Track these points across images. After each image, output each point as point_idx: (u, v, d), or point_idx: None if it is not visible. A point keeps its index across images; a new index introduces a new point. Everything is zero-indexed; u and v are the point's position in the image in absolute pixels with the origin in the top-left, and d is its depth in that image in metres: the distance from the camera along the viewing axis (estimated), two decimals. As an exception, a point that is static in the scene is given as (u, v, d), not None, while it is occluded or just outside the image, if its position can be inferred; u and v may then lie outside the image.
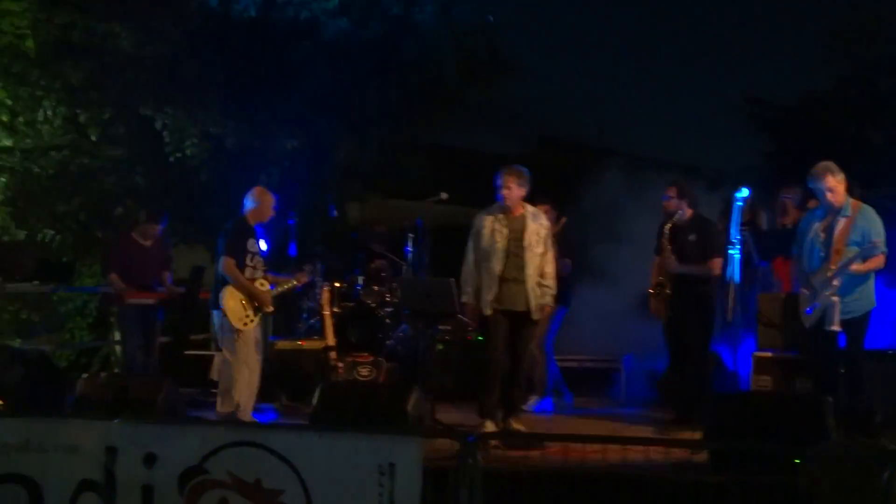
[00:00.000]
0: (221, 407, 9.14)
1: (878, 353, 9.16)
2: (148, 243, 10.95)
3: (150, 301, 10.78)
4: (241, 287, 9.18)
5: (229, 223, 9.46)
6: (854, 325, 8.13)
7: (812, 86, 18.32)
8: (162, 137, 12.91)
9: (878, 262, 8.05)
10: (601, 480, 6.41)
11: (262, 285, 9.36)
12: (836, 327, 8.06)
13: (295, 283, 9.88)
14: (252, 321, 9.21)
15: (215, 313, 9.36)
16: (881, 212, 8.29)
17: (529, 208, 9.16)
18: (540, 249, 9.04)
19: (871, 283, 8.21)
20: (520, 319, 9.05)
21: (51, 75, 12.41)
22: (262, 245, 10.32)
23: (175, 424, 6.85)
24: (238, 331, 9.16)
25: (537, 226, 9.08)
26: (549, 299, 9.12)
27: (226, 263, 9.20)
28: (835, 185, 8.17)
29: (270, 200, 9.57)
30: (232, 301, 9.16)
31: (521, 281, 8.97)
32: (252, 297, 9.21)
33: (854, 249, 8.02)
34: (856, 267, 7.98)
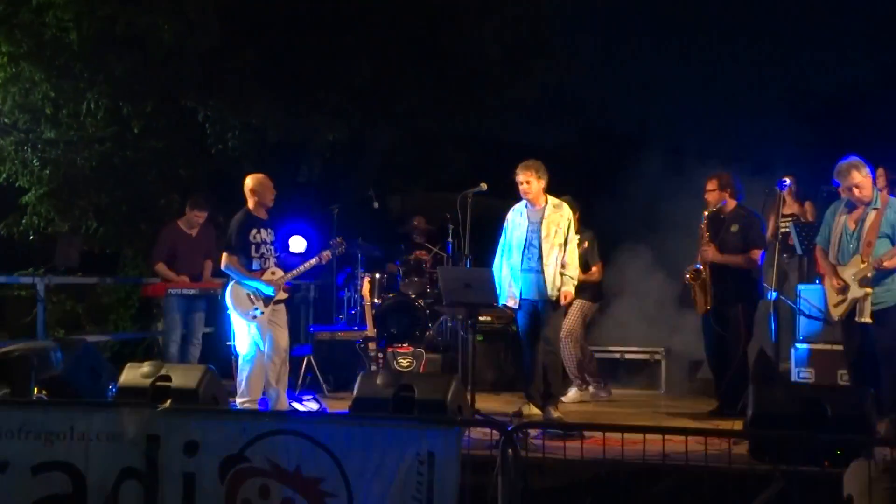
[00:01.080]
0: (238, 399, 9.19)
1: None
2: (193, 232, 11.04)
3: (193, 291, 10.87)
4: (244, 282, 9.20)
5: (235, 217, 9.47)
6: (886, 316, 8.07)
7: (855, 76, 18.14)
8: (204, 129, 12.98)
9: None
10: (640, 470, 6.39)
11: (274, 274, 9.35)
12: (867, 319, 8.01)
13: (316, 261, 9.82)
14: (262, 313, 9.23)
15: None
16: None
17: (552, 200, 9.27)
18: (559, 240, 9.13)
19: None
20: (541, 309, 9.13)
21: (94, 68, 12.50)
22: (300, 244, 10.29)
23: (216, 413, 6.90)
24: (246, 325, 9.18)
25: (557, 217, 9.18)
26: (570, 287, 9.15)
27: (225, 260, 9.23)
28: (861, 180, 8.12)
29: (266, 183, 9.45)
30: (236, 296, 9.18)
31: (539, 271, 9.11)
32: (259, 289, 9.21)
33: (885, 242, 7.97)
34: (888, 263, 7.92)
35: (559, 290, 9.12)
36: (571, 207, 9.88)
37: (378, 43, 14.17)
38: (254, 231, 9.29)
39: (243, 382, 9.13)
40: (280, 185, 9.70)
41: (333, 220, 12.01)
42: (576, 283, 9.22)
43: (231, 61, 13.04)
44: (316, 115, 13.58)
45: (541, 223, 9.16)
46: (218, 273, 11.25)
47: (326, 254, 9.83)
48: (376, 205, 12.48)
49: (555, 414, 9.09)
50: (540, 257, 9.11)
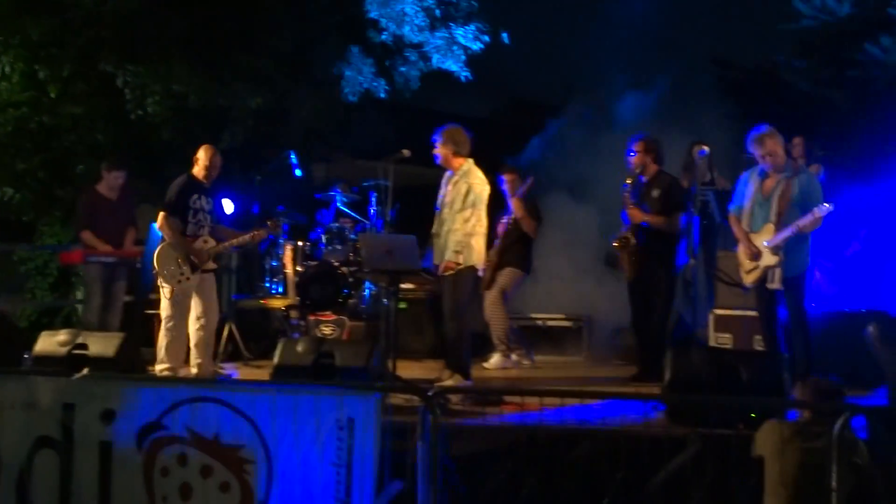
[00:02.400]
0: (157, 366, 9.12)
1: (836, 313, 9.35)
2: (114, 195, 10.85)
3: (113, 259, 10.70)
4: (176, 244, 9.14)
5: (177, 179, 9.42)
6: (795, 283, 8.25)
7: (778, 49, 18.33)
8: (123, 95, 12.76)
9: (817, 222, 8.09)
10: (559, 435, 6.44)
11: (206, 242, 9.30)
12: (777, 285, 8.17)
13: (249, 238, 9.77)
14: (187, 279, 9.16)
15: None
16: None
17: (465, 166, 9.04)
18: (456, 207, 8.92)
19: (808, 242, 8.31)
20: (441, 277, 9.03)
21: (9, 31, 12.25)
22: (228, 206, 10.25)
23: (133, 380, 6.83)
24: (171, 289, 9.12)
25: (461, 183, 8.97)
26: (450, 255, 8.83)
27: (161, 220, 9.20)
28: (773, 147, 8.29)
29: (212, 157, 9.47)
30: (163, 259, 9.12)
31: (439, 237, 9.01)
32: (188, 255, 9.15)
33: (796, 210, 8.11)
34: (802, 224, 8.04)
35: (445, 259, 8.91)
36: (512, 172, 10.00)
37: (301, 9, 14.04)
38: (194, 196, 9.28)
39: (163, 349, 9.07)
40: (202, 152, 9.62)
41: (256, 188, 11.93)
42: (459, 251, 8.82)
43: (151, 25, 12.83)
44: (238, 81, 13.43)
45: (446, 189, 9.07)
46: (138, 242, 11.14)
47: (260, 233, 9.81)
48: (299, 172, 12.38)
49: (448, 381, 8.82)
50: (441, 224, 9.02)
